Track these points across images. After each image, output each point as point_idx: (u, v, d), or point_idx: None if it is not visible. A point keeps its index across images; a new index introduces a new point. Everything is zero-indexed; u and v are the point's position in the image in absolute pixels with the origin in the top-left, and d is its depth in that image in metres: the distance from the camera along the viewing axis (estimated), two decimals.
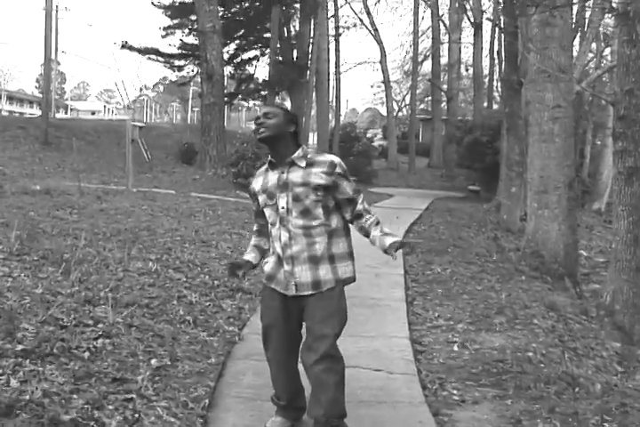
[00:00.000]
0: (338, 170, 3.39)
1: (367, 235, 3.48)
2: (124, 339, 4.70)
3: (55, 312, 4.81)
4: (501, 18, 15.58)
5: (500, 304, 7.11)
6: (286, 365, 3.59)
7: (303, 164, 3.38)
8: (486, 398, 4.36)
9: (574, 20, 13.02)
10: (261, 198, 3.49)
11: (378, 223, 3.46)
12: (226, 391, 4.20)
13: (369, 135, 33.86)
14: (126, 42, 29.24)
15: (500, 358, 5.22)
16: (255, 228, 3.73)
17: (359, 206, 3.47)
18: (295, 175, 3.37)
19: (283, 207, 3.38)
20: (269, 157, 3.48)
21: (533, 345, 5.61)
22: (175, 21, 31.01)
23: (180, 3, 29.86)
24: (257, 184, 3.54)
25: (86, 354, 4.20)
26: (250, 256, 3.63)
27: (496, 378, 4.75)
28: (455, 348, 5.54)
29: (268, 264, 3.54)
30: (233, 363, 4.77)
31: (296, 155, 3.40)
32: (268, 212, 3.48)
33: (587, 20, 16.86)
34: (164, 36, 31.57)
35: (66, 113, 73.00)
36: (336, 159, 3.44)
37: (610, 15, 14.02)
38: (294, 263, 3.39)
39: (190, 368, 4.46)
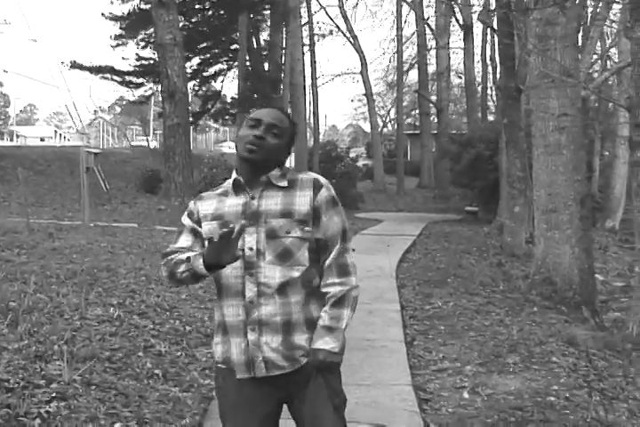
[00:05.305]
0: (323, 194, 2.69)
1: None
2: (82, 400, 4.50)
3: None
4: (494, 17, 15.58)
5: (511, 341, 6.97)
6: None
7: (284, 183, 2.69)
8: None
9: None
10: (208, 227, 2.70)
11: (338, 302, 2.66)
12: None
13: (352, 155, 33.85)
14: (74, 61, 29.21)
15: (517, 404, 5.07)
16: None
17: (333, 259, 2.70)
18: (272, 201, 2.65)
19: (251, 248, 2.62)
20: (234, 175, 2.75)
21: (554, 388, 5.48)
22: (129, 32, 30.85)
23: (133, 13, 29.63)
24: (205, 206, 2.76)
25: (37, 422, 4.01)
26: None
27: None
28: (465, 394, 5.39)
29: (219, 339, 2.76)
30: (211, 423, 4.57)
31: (274, 172, 2.71)
32: None
33: (589, 17, 16.84)
34: (114, 47, 31.38)
35: (11, 140, 72.79)
36: (322, 179, 2.74)
37: (619, 8, 14.04)
38: (262, 331, 2.62)
39: None
